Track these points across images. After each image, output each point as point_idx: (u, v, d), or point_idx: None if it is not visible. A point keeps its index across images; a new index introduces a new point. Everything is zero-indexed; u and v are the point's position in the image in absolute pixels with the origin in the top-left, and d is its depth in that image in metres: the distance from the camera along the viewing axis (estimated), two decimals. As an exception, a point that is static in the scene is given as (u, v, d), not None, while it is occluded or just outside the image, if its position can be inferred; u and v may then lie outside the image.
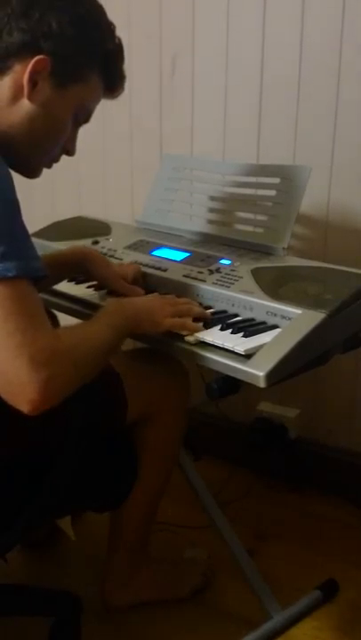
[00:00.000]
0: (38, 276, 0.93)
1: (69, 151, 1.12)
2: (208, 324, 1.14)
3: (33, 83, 1.00)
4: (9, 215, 0.92)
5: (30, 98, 1.00)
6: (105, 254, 1.46)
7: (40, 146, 1.06)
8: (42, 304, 0.94)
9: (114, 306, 1.12)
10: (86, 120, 1.12)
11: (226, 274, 1.27)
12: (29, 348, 0.87)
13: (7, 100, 1.01)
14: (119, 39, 1.09)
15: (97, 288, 1.35)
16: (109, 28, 1.08)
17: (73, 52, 1.02)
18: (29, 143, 1.04)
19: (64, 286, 1.37)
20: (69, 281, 1.40)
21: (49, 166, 1.12)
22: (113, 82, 1.11)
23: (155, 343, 1.17)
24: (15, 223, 0.92)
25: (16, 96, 1.01)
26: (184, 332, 1.11)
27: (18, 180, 1.04)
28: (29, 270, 0.91)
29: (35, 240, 0.99)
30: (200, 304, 1.23)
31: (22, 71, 0.99)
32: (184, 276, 1.30)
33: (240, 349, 1.03)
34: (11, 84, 1.00)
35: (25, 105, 1.01)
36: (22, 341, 0.87)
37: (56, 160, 1.12)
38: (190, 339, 1.10)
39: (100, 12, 1.07)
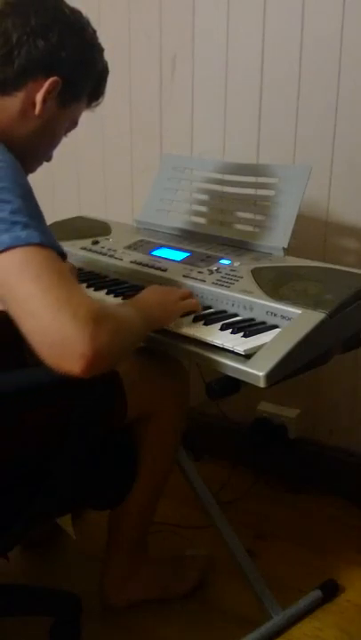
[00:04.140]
0: (58, 251, 0.92)
1: (49, 158, 1.18)
2: (208, 322, 1.14)
3: (44, 101, 1.05)
4: (26, 197, 0.94)
5: (39, 115, 1.06)
6: (105, 254, 1.46)
7: (35, 156, 1.13)
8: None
9: (133, 303, 1.12)
10: (71, 130, 1.18)
11: (226, 274, 1.27)
12: (69, 303, 0.85)
13: (17, 114, 1.05)
14: (106, 62, 1.16)
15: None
16: (101, 51, 1.14)
17: (79, 75, 1.09)
18: (28, 153, 1.08)
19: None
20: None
21: (33, 171, 1.16)
22: (97, 97, 1.18)
23: (154, 343, 1.17)
24: (33, 204, 0.95)
25: (26, 111, 1.06)
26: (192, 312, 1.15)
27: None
28: (51, 243, 0.91)
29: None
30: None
31: (35, 89, 1.04)
32: (184, 276, 1.30)
33: (240, 349, 1.03)
34: (23, 100, 1.05)
35: (33, 120, 1.06)
36: (60, 296, 0.85)
37: (39, 166, 1.17)
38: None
39: (95, 35, 1.12)
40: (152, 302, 1.13)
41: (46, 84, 1.04)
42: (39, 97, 1.04)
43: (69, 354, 0.84)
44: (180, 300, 1.16)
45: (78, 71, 1.08)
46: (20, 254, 0.87)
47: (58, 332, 0.84)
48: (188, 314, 1.18)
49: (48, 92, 1.04)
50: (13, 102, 1.05)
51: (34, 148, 1.09)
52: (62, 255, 0.94)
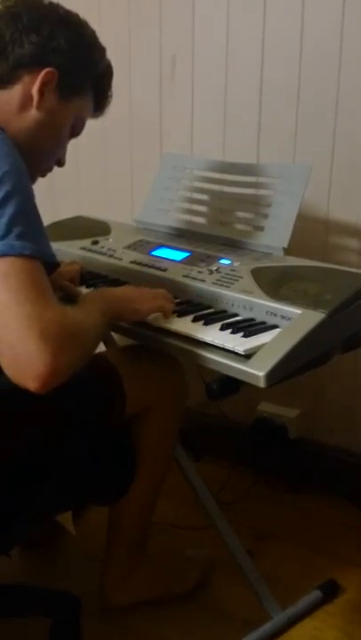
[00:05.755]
0: (51, 261, 0.96)
1: (61, 161, 1.20)
2: (208, 322, 1.14)
3: (40, 93, 1.06)
4: (26, 202, 0.95)
5: (38, 107, 1.07)
6: (104, 254, 1.46)
7: (41, 153, 1.13)
8: (51, 287, 0.95)
9: (96, 294, 1.16)
10: (79, 132, 1.19)
11: (226, 274, 1.27)
12: (39, 319, 0.88)
13: (16, 108, 1.07)
14: (109, 62, 1.18)
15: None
16: (102, 50, 1.16)
17: (76, 68, 1.10)
18: (32, 150, 1.08)
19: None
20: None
21: (43, 175, 1.18)
22: (101, 101, 1.19)
23: (152, 342, 1.17)
24: (32, 210, 0.96)
25: (25, 104, 1.07)
26: (161, 319, 1.14)
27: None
28: (43, 254, 0.94)
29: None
30: (199, 304, 1.23)
31: (31, 82, 1.06)
32: (184, 276, 1.30)
33: (240, 349, 1.03)
34: (20, 93, 1.07)
35: (33, 113, 1.08)
36: (32, 313, 0.88)
37: (50, 169, 1.19)
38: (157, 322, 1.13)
39: (95, 35, 1.14)
40: (121, 296, 1.15)
41: (41, 75, 1.05)
42: (35, 88, 1.06)
43: (28, 371, 0.88)
44: (149, 313, 1.15)
45: (74, 63, 1.09)
46: (7, 263, 0.90)
47: (22, 348, 0.88)
48: None
49: (44, 84, 1.06)
50: (11, 96, 1.06)
51: (38, 143, 1.10)
52: (55, 265, 0.97)
